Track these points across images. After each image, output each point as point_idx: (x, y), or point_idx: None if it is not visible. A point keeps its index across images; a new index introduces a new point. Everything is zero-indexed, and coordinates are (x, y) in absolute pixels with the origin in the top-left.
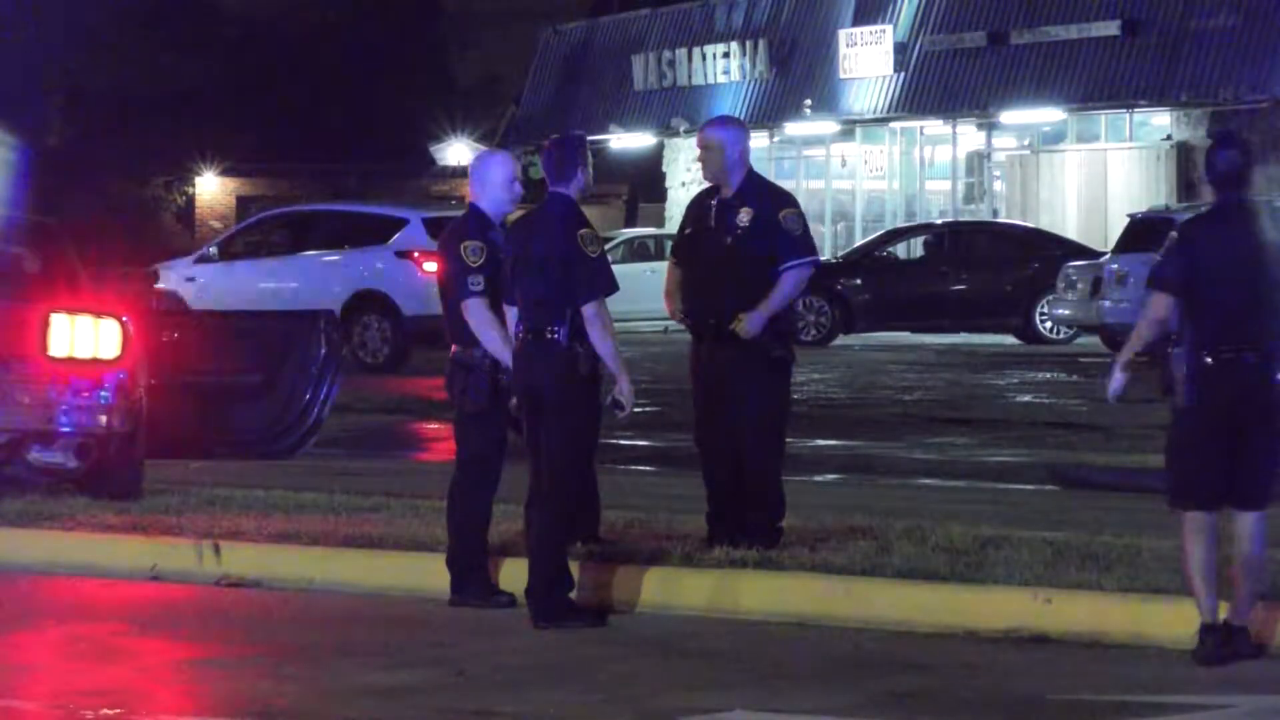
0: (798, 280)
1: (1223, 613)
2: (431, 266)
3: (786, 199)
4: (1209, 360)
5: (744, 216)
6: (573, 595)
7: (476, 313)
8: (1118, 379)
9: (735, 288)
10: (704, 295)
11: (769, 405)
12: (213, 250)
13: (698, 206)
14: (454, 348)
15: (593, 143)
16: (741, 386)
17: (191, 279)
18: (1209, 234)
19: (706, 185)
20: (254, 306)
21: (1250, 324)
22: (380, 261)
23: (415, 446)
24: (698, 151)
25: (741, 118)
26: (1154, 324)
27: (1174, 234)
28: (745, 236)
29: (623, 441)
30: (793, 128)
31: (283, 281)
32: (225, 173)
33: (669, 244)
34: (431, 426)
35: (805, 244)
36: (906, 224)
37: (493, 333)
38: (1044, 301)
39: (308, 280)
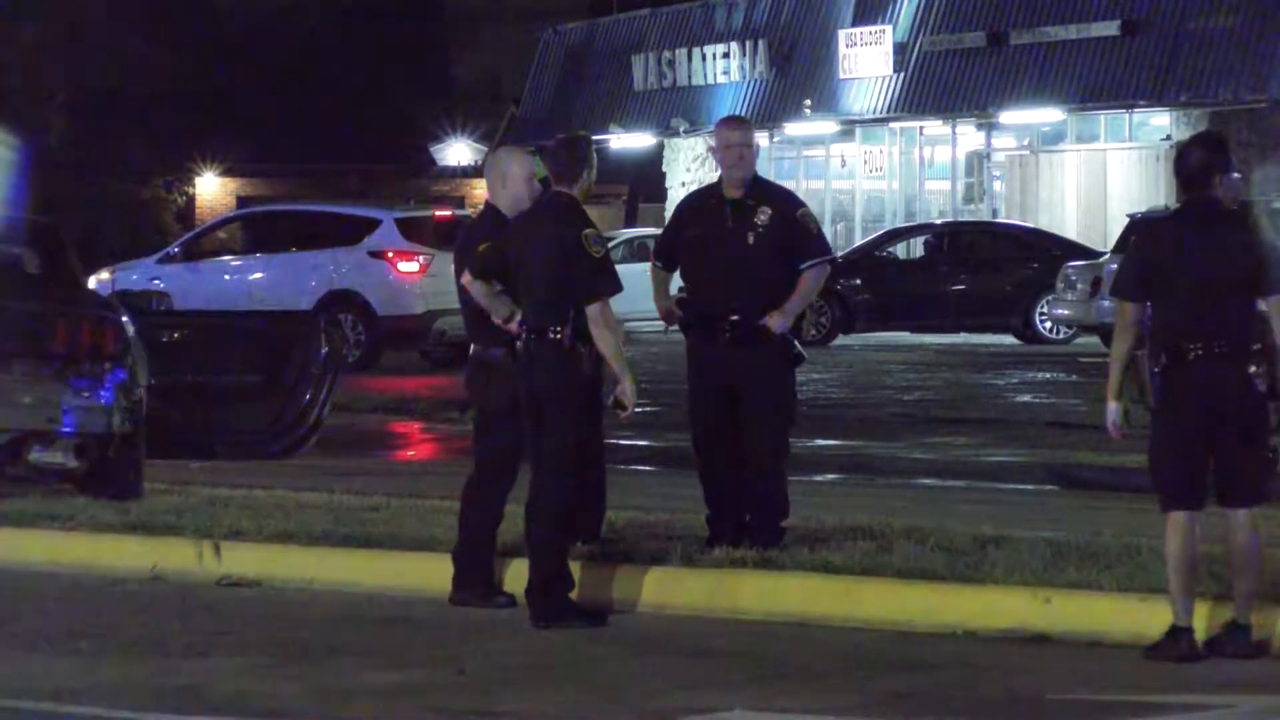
0: (819, 278)
1: (1228, 613)
2: (406, 266)
3: (797, 198)
4: (1175, 360)
5: (764, 216)
6: (573, 595)
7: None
8: (1112, 410)
9: (758, 287)
10: (724, 295)
11: (782, 404)
12: (176, 250)
13: (700, 208)
14: (474, 347)
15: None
16: (757, 385)
17: (156, 279)
18: (1168, 235)
19: (702, 186)
20: (223, 307)
21: (1218, 322)
22: (353, 262)
23: (415, 446)
24: (703, 151)
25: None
26: (1126, 331)
27: (1134, 239)
28: (766, 236)
29: (623, 441)
30: (792, 128)
31: (253, 281)
32: (225, 173)
33: None
34: (425, 425)
35: (822, 242)
36: (906, 224)
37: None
38: (1044, 301)
39: (279, 280)
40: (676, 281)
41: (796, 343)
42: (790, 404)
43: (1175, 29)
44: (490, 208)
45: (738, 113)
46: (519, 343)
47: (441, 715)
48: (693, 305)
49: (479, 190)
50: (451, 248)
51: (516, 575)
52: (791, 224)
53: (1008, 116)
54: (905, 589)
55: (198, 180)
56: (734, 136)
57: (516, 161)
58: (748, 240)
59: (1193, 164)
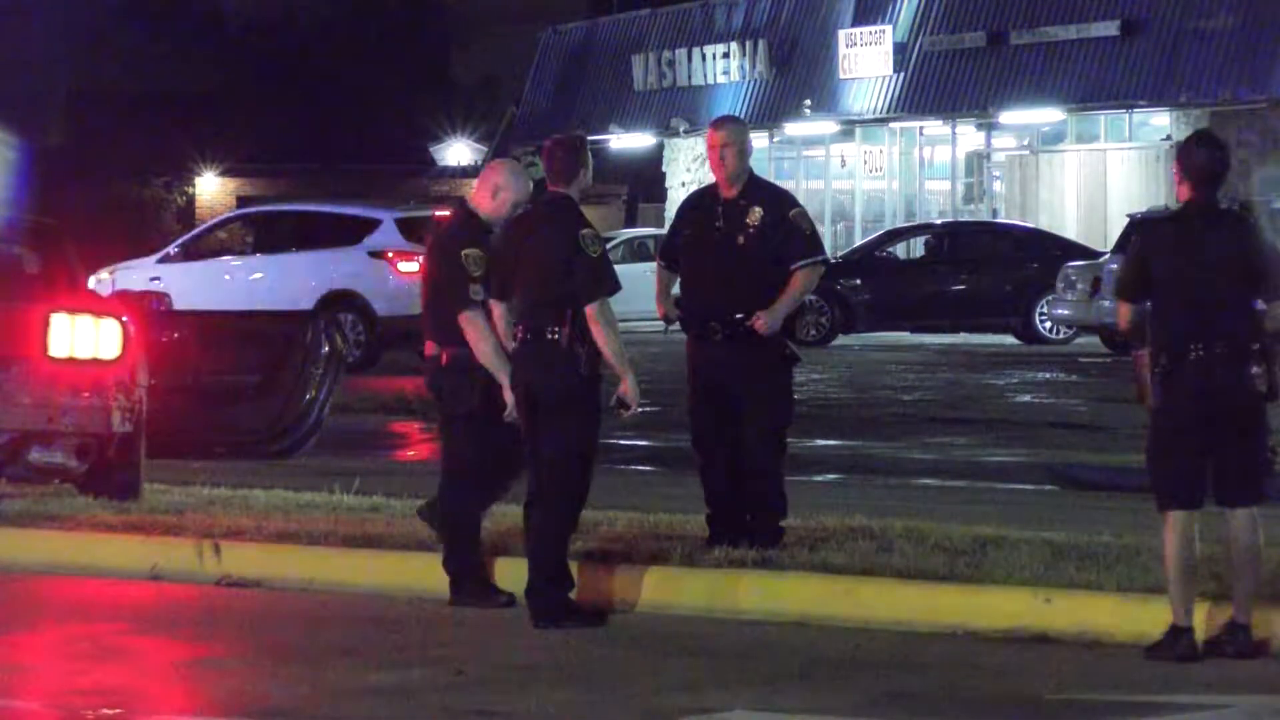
0: (811, 278)
1: (1228, 613)
2: (406, 266)
3: (791, 199)
4: (1175, 361)
5: (755, 216)
6: (572, 595)
7: (474, 323)
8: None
9: (748, 287)
10: (715, 296)
11: (777, 404)
12: (176, 250)
13: (696, 208)
14: (433, 347)
15: (593, 143)
16: (751, 385)
17: (156, 279)
18: (1171, 234)
19: (702, 186)
20: (222, 307)
21: (1219, 322)
22: (353, 261)
23: (415, 446)
24: (704, 151)
25: (741, 118)
26: (1128, 332)
27: (1134, 239)
28: (757, 236)
29: (623, 441)
30: (792, 128)
31: (253, 281)
32: (225, 173)
33: None
34: (425, 425)
35: (815, 243)
36: (906, 224)
37: (487, 345)
38: (1044, 301)
39: (279, 280)
40: None
41: (790, 343)
42: (781, 404)
43: (1175, 29)
44: (471, 212)
45: (737, 113)
46: (515, 343)
47: (441, 715)
48: (687, 305)
49: None
50: None
51: (516, 575)
52: (784, 224)
53: (1008, 116)
54: (905, 589)
55: (198, 180)
56: (716, 138)
57: (517, 181)
58: (738, 240)
59: (1205, 163)
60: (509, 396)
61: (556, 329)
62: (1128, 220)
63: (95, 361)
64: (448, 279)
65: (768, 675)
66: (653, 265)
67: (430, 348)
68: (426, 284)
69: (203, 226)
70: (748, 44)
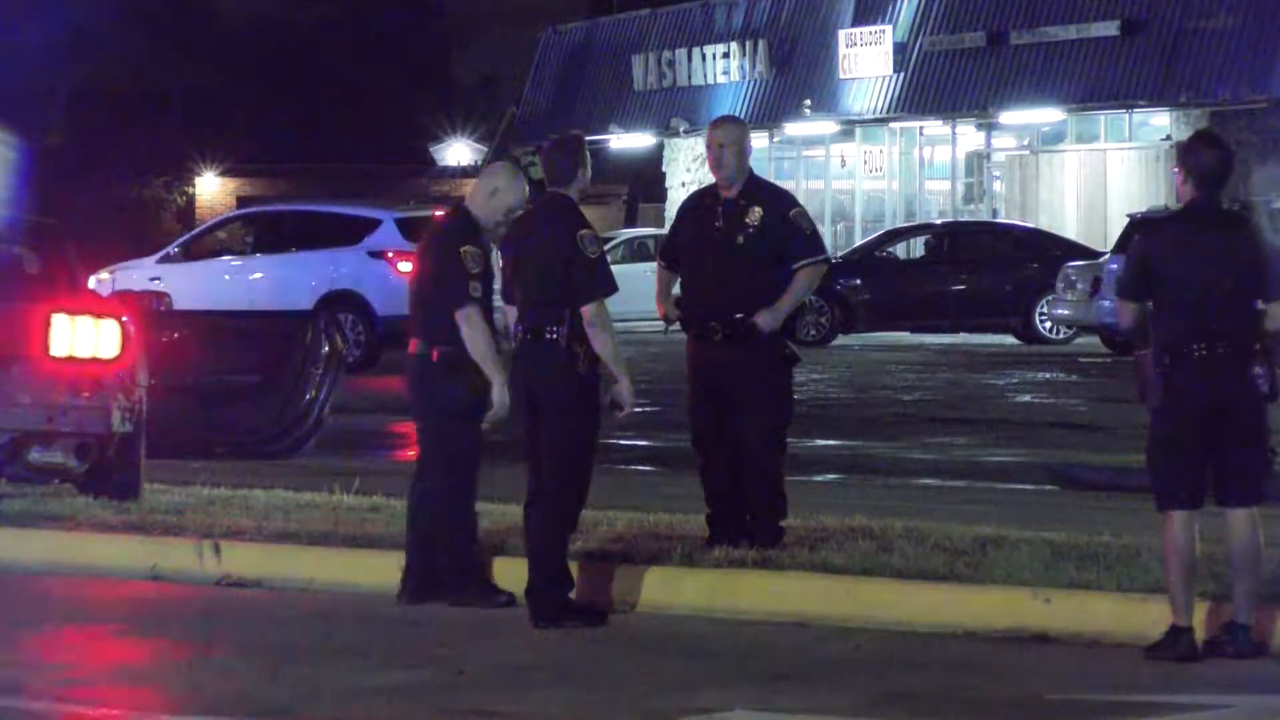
0: (812, 278)
1: (1228, 613)
2: (406, 266)
3: (790, 198)
4: (1178, 361)
5: (754, 216)
6: (572, 595)
7: (472, 320)
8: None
9: (748, 287)
10: (714, 296)
11: (777, 403)
12: (176, 250)
13: (696, 208)
14: (420, 345)
15: (593, 143)
16: (751, 385)
17: (156, 279)
18: (1173, 234)
19: (702, 186)
20: (222, 307)
21: (1220, 322)
22: (353, 261)
23: (414, 446)
24: (704, 151)
25: (741, 118)
26: (1130, 331)
27: (1137, 238)
28: (756, 236)
29: (623, 441)
30: (792, 128)
31: (253, 281)
32: (225, 173)
33: None
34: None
35: (816, 242)
36: (906, 224)
37: (482, 343)
38: (1044, 301)
39: (279, 280)
40: None
41: (790, 343)
42: (781, 404)
43: (1175, 29)
44: (467, 213)
45: (737, 113)
46: (515, 343)
47: (441, 715)
48: (687, 305)
49: None
50: None
51: (516, 575)
52: (784, 223)
53: (1008, 116)
54: (905, 589)
55: (198, 180)
56: (715, 137)
57: (515, 185)
58: (738, 240)
59: (1209, 163)
60: (497, 395)
61: (555, 329)
62: (1128, 220)
63: (95, 361)
64: (447, 276)
65: (768, 675)
66: (653, 265)
67: (415, 345)
68: (420, 282)
69: (203, 226)
70: (748, 44)
